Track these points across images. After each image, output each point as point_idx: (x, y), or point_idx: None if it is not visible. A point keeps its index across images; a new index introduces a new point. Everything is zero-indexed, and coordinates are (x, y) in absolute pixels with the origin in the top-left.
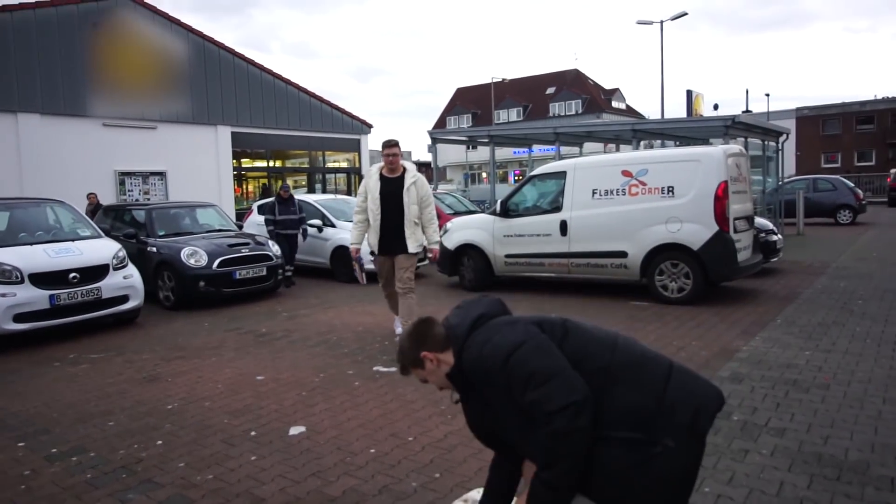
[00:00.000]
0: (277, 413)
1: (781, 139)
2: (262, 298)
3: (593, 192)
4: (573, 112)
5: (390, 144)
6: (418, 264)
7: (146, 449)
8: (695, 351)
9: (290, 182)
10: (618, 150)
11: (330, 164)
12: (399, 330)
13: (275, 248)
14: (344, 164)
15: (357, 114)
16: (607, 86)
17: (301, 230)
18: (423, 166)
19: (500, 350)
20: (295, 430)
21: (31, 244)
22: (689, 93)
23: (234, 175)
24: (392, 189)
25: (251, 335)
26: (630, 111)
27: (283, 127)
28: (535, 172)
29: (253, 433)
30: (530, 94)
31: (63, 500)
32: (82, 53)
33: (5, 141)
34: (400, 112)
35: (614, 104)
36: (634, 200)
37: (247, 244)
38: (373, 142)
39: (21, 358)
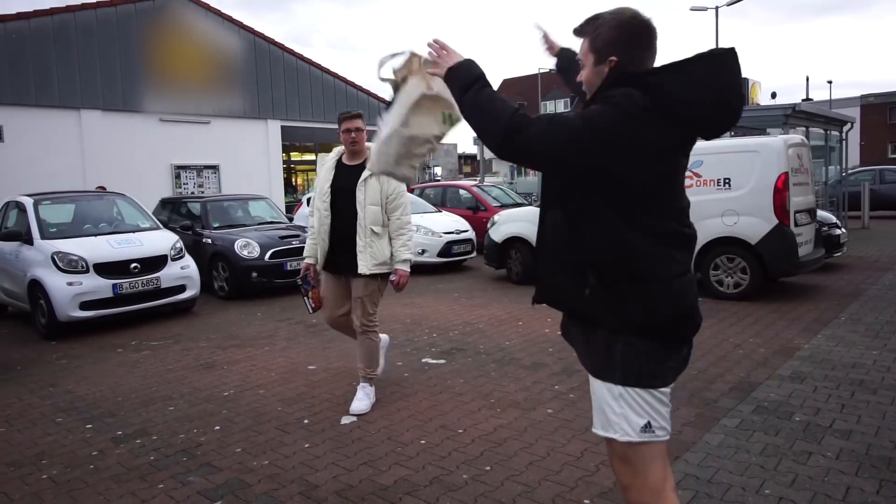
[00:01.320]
0: (329, 402)
1: (845, 128)
2: None
3: None
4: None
5: (349, 116)
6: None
7: (205, 434)
8: (752, 348)
9: None
10: None
11: None
12: (360, 404)
13: None
14: None
15: None
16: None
17: None
18: (468, 158)
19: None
20: (346, 420)
21: (95, 235)
22: (745, 81)
23: (284, 168)
24: (349, 183)
25: (302, 325)
26: None
27: (330, 120)
28: None
29: (306, 421)
30: (526, 93)
31: (129, 481)
32: (140, 51)
33: (69, 136)
34: None
35: None
36: (688, 193)
37: (297, 236)
38: None
39: (86, 344)
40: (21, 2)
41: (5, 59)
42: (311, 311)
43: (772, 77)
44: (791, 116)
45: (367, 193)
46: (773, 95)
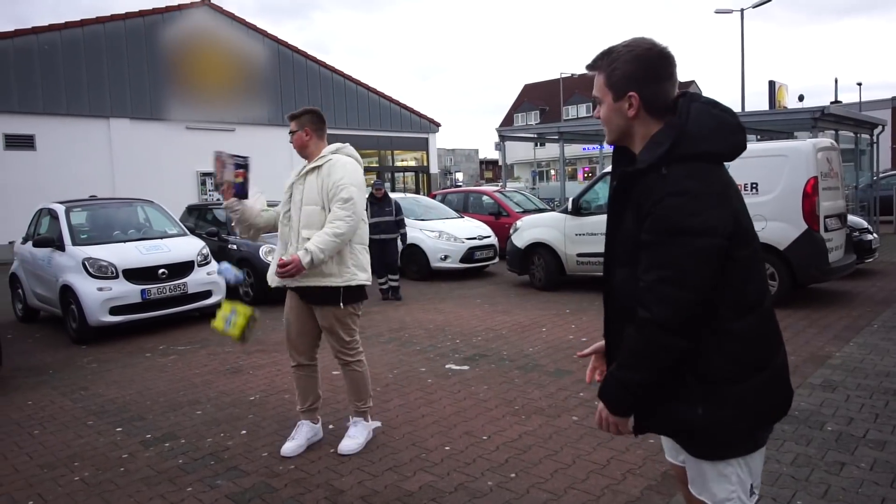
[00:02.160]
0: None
1: (876, 131)
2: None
3: None
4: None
5: (289, 117)
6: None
7: (231, 438)
8: None
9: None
10: None
11: (399, 163)
12: (350, 442)
13: None
14: (412, 163)
15: (421, 112)
16: (682, 78)
17: (400, 235)
18: (489, 163)
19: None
20: (372, 424)
21: (124, 241)
22: (771, 84)
23: None
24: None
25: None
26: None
27: (353, 127)
28: (608, 169)
29: (331, 426)
30: (548, 98)
31: (158, 483)
32: (167, 60)
33: (99, 144)
34: (464, 109)
35: None
36: None
37: None
38: (441, 140)
39: (116, 348)
40: (50, 12)
41: (38, 69)
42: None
43: (799, 79)
44: (820, 120)
45: (305, 191)
46: (801, 98)
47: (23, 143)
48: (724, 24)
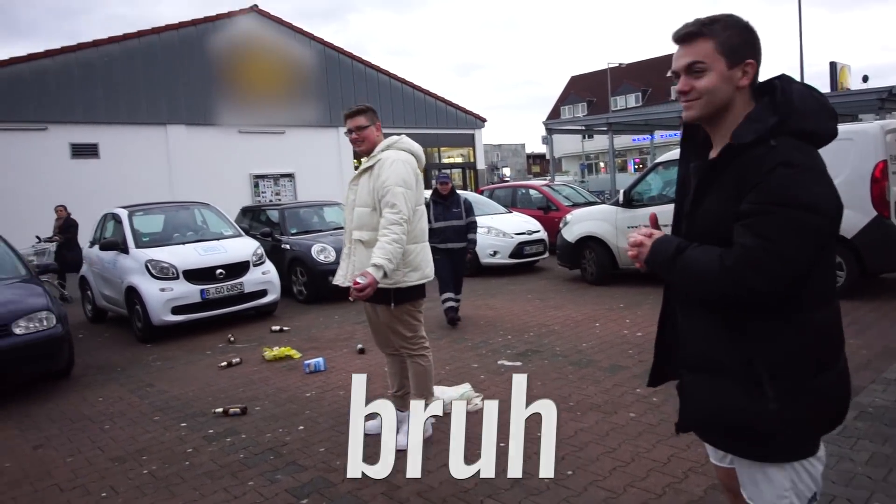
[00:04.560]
0: None
1: None
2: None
3: None
4: None
5: (350, 113)
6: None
7: (289, 433)
8: (853, 349)
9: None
10: None
11: (445, 160)
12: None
13: None
14: (458, 160)
15: (466, 108)
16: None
17: (468, 242)
18: (536, 157)
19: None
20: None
21: (183, 243)
22: (832, 65)
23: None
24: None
25: None
26: None
27: (399, 125)
28: (661, 159)
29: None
30: (650, 77)
31: (221, 477)
32: (218, 66)
33: (157, 150)
34: (506, 105)
35: None
36: None
37: None
38: (487, 136)
39: (178, 347)
40: (102, 25)
41: (99, 81)
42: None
43: (861, 60)
44: (887, 100)
45: (358, 193)
46: (865, 79)
47: (87, 151)
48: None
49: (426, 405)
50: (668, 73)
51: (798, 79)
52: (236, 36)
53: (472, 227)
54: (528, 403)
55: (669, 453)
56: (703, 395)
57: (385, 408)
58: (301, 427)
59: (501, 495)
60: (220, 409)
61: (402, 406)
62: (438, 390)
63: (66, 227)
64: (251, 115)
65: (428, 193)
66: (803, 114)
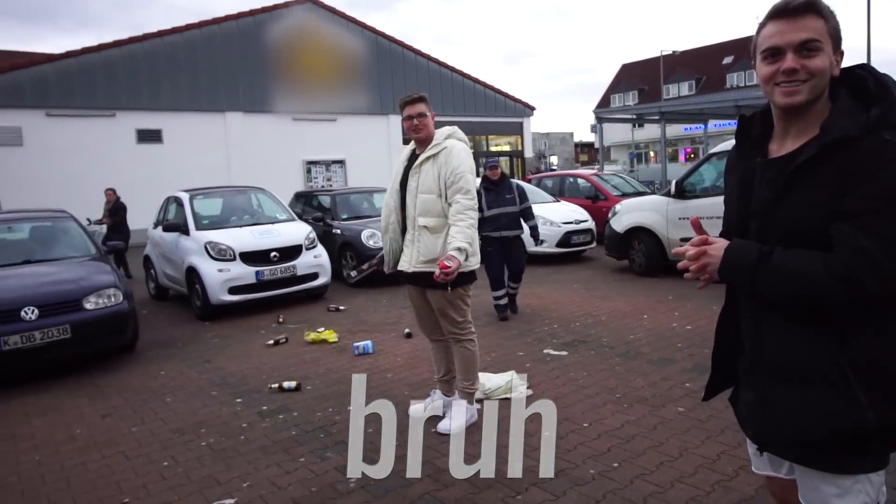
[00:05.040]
0: None
1: None
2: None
3: None
4: (754, 82)
5: (410, 100)
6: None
7: (339, 413)
8: None
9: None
10: None
11: (493, 148)
12: (448, 422)
13: None
14: (506, 148)
15: (515, 96)
16: None
17: (531, 229)
18: (584, 146)
19: None
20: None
21: (240, 226)
22: None
23: None
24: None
25: None
26: None
27: (448, 113)
28: (715, 149)
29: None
30: (704, 65)
31: (274, 452)
32: (275, 55)
33: (216, 137)
34: (553, 93)
35: None
36: None
37: None
38: (535, 124)
39: (234, 325)
40: (162, 15)
41: (163, 69)
42: (351, 277)
43: None
44: None
45: (421, 180)
46: None
47: (152, 137)
48: None
49: (469, 393)
50: (765, 48)
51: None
52: (291, 25)
53: (529, 213)
54: (571, 393)
55: (719, 450)
56: (794, 406)
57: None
58: (350, 408)
59: (546, 484)
60: (276, 385)
61: (448, 391)
62: (483, 377)
63: (116, 210)
64: (305, 102)
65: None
66: None
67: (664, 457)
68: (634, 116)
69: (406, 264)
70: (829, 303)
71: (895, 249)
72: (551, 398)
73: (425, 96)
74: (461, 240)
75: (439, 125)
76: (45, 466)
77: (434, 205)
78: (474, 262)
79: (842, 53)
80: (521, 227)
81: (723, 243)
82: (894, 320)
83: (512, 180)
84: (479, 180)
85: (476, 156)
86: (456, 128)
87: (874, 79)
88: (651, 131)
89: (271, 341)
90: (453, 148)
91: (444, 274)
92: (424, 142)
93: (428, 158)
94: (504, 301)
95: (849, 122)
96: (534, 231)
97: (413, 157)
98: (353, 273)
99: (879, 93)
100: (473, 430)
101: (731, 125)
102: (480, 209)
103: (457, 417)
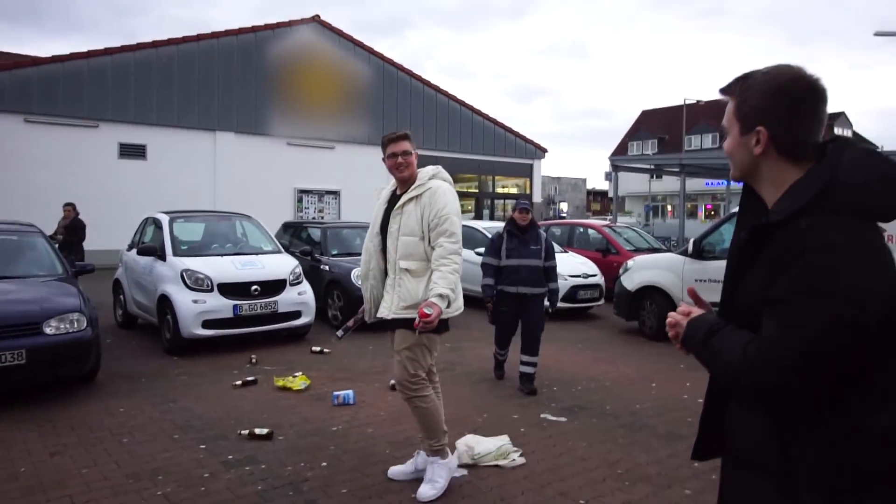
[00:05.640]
0: None
1: None
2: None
3: None
4: None
5: (394, 138)
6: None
7: (311, 469)
8: None
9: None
10: None
11: (500, 189)
12: (426, 489)
13: None
14: (514, 190)
15: (526, 136)
16: (831, 109)
17: (549, 291)
18: (597, 194)
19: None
20: (456, 473)
21: (221, 255)
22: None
23: None
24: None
25: None
26: (858, 139)
27: (454, 149)
28: (737, 209)
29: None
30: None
31: None
32: (274, 75)
33: (204, 157)
34: (566, 135)
35: (837, 130)
36: None
37: None
38: (546, 167)
39: (205, 362)
40: (154, 25)
41: (154, 82)
42: (338, 336)
43: None
44: None
45: (403, 221)
46: None
47: (135, 152)
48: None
49: (438, 450)
50: None
51: None
52: (295, 45)
53: (553, 273)
54: (569, 464)
55: None
56: (737, 492)
57: (415, 458)
58: (324, 463)
59: None
60: (246, 431)
61: (431, 452)
62: (474, 440)
63: (74, 229)
64: (302, 127)
65: (487, 224)
66: (850, 188)
67: None
68: (653, 166)
69: (386, 310)
70: (746, 392)
71: (801, 344)
72: (546, 469)
73: (409, 134)
74: (443, 286)
75: (444, 162)
76: None
77: (416, 248)
78: (454, 308)
79: (763, 131)
80: (543, 285)
81: (696, 313)
82: (851, 421)
83: (541, 231)
84: (496, 224)
85: (480, 197)
86: (440, 167)
87: (827, 156)
88: (670, 183)
89: (239, 381)
90: (438, 188)
91: (423, 322)
92: (407, 181)
93: (411, 199)
94: (503, 358)
95: (785, 204)
96: (553, 296)
97: (394, 197)
98: (339, 332)
99: (824, 172)
100: (459, 499)
101: None
102: (499, 257)
103: (437, 479)
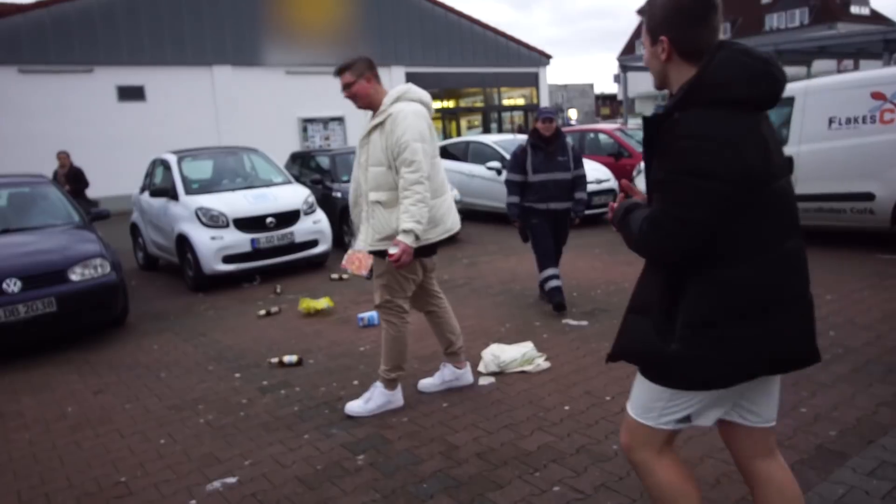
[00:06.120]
0: None
1: None
2: (440, 244)
3: (830, 121)
4: (796, 24)
5: (335, 74)
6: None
7: (344, 388)
8: None
9: (463, 122)
10: (856, 68)
11: (506, 102)
12: (353, 404)
13: (454, 192)
14: (520, 101)
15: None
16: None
17: (575, 202)
18: (606, 99)
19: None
20: (484, 381)
21: (233, 191)
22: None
23: None
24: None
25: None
26: (876, 17)
27: (456, 64)
28: None
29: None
30: (740, 5)
31: (276, 429)
32: (266, 1)
33: (203, 93)
34: (569, 40)
35: (853, 10)
36: (888, 129)
37: None
38: (551, 75)
39: (230, 296)
40: None
41: (143, 20)
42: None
43: None
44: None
45: (370, 151)
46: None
47: (134, 94)
48: None
49: (386, 380)
50: None
51: None
52: None
53: (580, 182)
54: (593, 365)
55: None
56: (628, 331)
57: (441, 370)
58: (356, 382)
59: (566, 460)
60: (276, 360)
61: (458, 363)
62: (499, 349)
63: (76, 177)
64: (299, 54)
65: (496, 138)
66: (714, 84)
67: (691, 432)
68: None
69: (363, 243)
70: (647, 256)
71: (677, 214)
72: (571, 370)
73: (349, 63)
74: (407, 220)
75: (446, 77)
76: (36, 445)
77: (385, 178)
78: (438, 233)
79: (665, 40)
80: (568, 198)
81: (624, 200)
82: (714, 273)
83: (568, 140)
84: (521, 137)
85: (487, 110)
86: (409, 86)
87: (706, 59)
88: None
89: (263, 311)
90: (399, 114)
91: (394, 264)
92: (372, 109)
93: (375, 128)
94: (557, 283)
95: (670, 101)
96: (579, 205)
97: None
98: (365, 274)
99: (699, 73)
100: (489, 404)
101: None
102: (524, 172)
103: (372, 400)
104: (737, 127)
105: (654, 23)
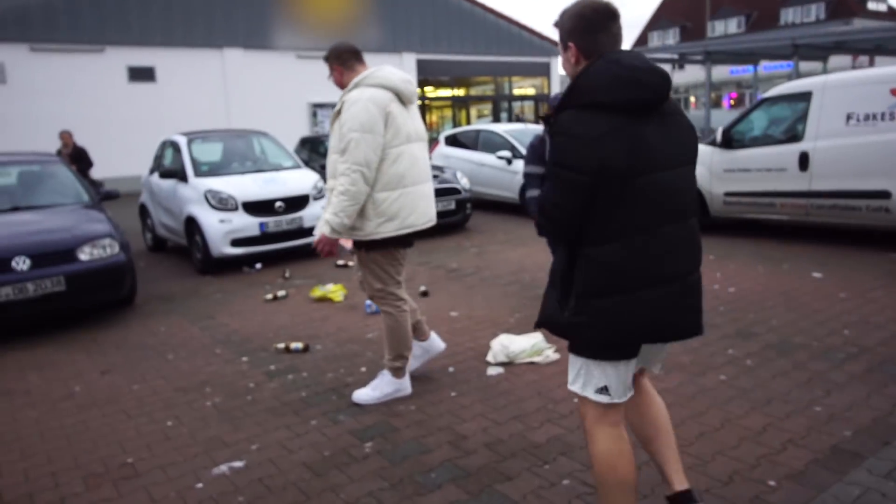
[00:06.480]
0: (473, 351)
1: None
2: (450, 233)
3: (848, 118)
4: (812, 18)
5: (325, 57)
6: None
7: (351, 374)
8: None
9: (473, 111)
10: (871, 64)
11: (516, 91)
12: (360, 392)
13: (463, 181)
14: (531, 91)
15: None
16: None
17: None
18: None
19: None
20: (493, 371)
21: (242, 174)
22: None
23: (419, 104)
24: None
25: (442, 270)
26: (893, 14)
27: (467, 52)
28: (768, 94)
29: (451, 369)
30: None
31: (284, 414)
32: None
33: (214, 75)
34: None
35: (871, 6)
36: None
37: (434, 177)
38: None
39: (237, 280)
40: None
41: (156, 0)
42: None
43: None
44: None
45: (332, 138)
46: None
47: (144, 75)
48: None
49: (392, 368)
50: None
51: None
52: None
53: None
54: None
55: (765, 422)
56: (544, 301)
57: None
58: (363, 369)
59: (576, 454)
60: (282, 346)
61: (420, 336)
62: (508, 339)
63: (78, 157)
64: (310, 38)
65: (507, 127)
66: (584, 89)
67: (704, 427)
68: (676, 56)
69: (318, 230)
70: (540, 229)
71: (550, 198)
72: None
73: (326, 54)
74: (328, 210)
75: (456, 65)
76: (43, 424)
77: (339, 165)
78: (392, 228)
79: (570, 47)
80: None
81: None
82: (588, 250)
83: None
84: (515, 126)
85: (497, 99)
86: (374, 70)
87: (587, 65)
88: (693, 74)
89: (270, 296)
90: (349, 100)
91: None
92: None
93: (336, 114)
94: None
95: (558, 102)
96: None
97: None
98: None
99: (575, 80)
100: (497, 395)
101: (784, 67)
102: (545, 163)
103: (376, 389)
104: (598, 127)
105: (564, 31)
